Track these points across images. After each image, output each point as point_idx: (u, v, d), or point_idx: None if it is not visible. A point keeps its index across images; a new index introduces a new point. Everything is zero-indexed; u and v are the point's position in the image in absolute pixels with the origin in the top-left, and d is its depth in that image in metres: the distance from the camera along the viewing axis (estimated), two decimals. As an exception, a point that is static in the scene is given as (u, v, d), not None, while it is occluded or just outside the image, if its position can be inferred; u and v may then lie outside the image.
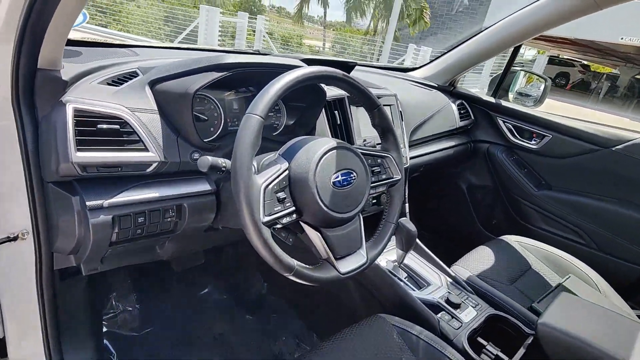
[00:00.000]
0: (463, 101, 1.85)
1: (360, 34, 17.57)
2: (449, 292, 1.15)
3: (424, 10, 15.58)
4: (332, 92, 1.13)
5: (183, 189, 0.87)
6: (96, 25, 9.63)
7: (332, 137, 1.12)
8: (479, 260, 1.42)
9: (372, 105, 0.85)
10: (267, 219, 0.66)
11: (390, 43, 10.74)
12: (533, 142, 1.71)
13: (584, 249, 1.63)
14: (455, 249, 1.56)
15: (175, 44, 1.19)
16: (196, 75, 0.84)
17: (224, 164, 0.71)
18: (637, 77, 19.85)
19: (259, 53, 1.48)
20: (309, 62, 1.01)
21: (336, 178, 0.74)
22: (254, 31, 9.74)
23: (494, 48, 1.69)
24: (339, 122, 1.14)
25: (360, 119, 1.21)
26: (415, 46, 10.67)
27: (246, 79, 0.98)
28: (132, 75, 0.94)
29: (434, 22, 16.31)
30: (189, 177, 0.89)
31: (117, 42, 1.17)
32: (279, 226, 0.70)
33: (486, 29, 1.72)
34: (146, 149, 0.80)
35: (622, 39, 11.55)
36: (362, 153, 0.83)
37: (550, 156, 1.68)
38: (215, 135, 1.00)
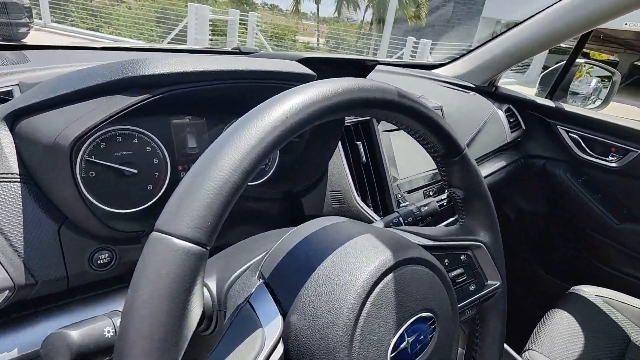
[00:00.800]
0: (510, 106, 1.42)
1: (354, 28, 17.10)
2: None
3: (421, 6, 15.10)
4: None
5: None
6: (87, 29, 9.21)
7: (354, 183, 0.69)
8: (558, 335, 1.02)
9: (452, 152, 0.42)
10: None
11: (388, 37, 10.29)
12: (611, 158, 1.28)
13: (690, 303, 1.21)
14: (517, 307, 1.15)
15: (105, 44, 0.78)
16: (91, 101, 0.41)
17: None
18: (637, 63, 19.60)
19: (239, 52, 1.04)
20: (312, 62, 0.58)
21: (401, 344, 0.32)
22: (247, 29, 9.32)
23: (553, 37, 1.26)
24: (364, 160, 0.71)
25: (395, 148, 0.78)
26: (415, 39, 10.21)
27: (209, 98, 0.56)
28: (3, 98, 0.52)
29: (429, 14, 15.83)
30: (93, 295, 0.47)
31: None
32: None
33: (538, 13, 1.29)
34: (-19, 266, 0.38)
35: (626, 24, 11.15)
36: (432, 248, 0.41)
37: (637, 177, 1.25)
38: (157, 197, 0.57)
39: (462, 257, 0.45)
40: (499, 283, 0.47)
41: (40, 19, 8.52)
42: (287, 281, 0.33)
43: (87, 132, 0.37)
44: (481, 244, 0.46)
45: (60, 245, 0.42)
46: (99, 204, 0.49)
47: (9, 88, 0.54)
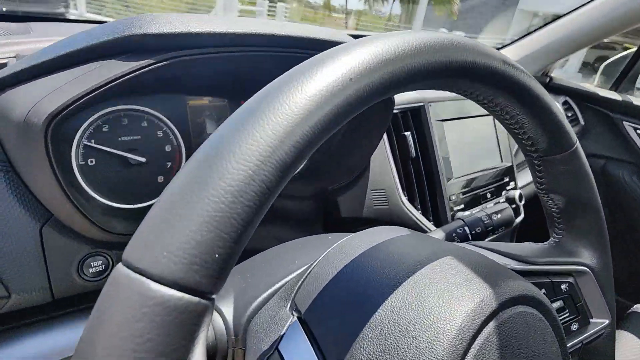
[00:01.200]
0: (567, 98, 1.27)
1: (384, 21, 16.80)
2: None
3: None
4: (404, 96, 0.58)
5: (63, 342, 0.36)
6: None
7: (401, 182, 0.58)
8: (625, 361, 0.87)
9: (558, 146, 0.30)
10: None
11: (419, 30, 10.01)
12: (689, 160, 1.11)
13: None
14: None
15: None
16: (77, 68, 0.32)
17: None
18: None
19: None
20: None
21: None
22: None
23: (623, 21, 1.09)
24: (412, 155, 0.60)
25: (448, 140, 0.66)
26: (446, 31, 9.89)
27: (232, 73, 0.46)
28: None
29: (461, 6, 15.31)
30: (85, 308, 0.39)
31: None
32: None
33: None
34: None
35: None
36: (525, 274, 0.30)
37: None
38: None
39: (562, 287, 0.33)
40: (607, 321, 0.35)
41: (76, 9, 8.77)
42: (332, 322, 0.23)
43: (68, 107, 0.28)
44: (587, 269, 0.34)
45: (42, 248, 0.34)
46: (98, 197, 0.41)
47: (5, 60, 0.46)
